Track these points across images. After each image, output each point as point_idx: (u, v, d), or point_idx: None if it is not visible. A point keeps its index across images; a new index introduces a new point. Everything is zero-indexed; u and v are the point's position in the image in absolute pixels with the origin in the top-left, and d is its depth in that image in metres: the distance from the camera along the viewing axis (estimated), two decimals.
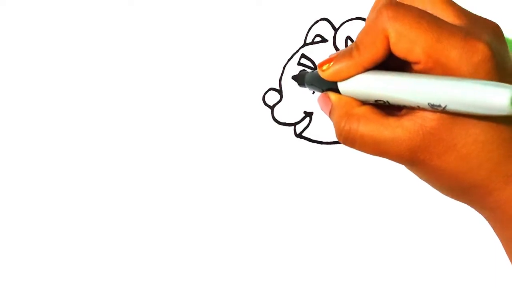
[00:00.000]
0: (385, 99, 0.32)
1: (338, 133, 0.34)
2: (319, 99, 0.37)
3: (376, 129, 0.32)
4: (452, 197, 0.35)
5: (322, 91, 0.37)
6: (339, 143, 0.45)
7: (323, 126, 0.45)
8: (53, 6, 0.46)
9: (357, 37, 0.33)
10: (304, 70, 0.45)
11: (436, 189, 0.34)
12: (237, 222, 0.45)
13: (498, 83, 0.28)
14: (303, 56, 0.45)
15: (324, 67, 0.34)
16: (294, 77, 0.44)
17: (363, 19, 0.45)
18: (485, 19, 0.33)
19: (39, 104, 0.46)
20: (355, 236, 0.44)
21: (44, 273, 0.45)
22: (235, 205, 0.45)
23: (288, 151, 0.45)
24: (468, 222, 0.44)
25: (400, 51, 0.31)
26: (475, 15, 0.33)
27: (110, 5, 0.46)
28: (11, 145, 0.45)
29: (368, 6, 0.45)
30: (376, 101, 0.33)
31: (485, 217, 0.35)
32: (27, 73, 0.46)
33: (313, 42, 0.45)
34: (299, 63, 0.45)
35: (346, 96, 0.34)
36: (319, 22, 0.46)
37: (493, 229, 0.35)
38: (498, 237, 0.35)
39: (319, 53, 0.45)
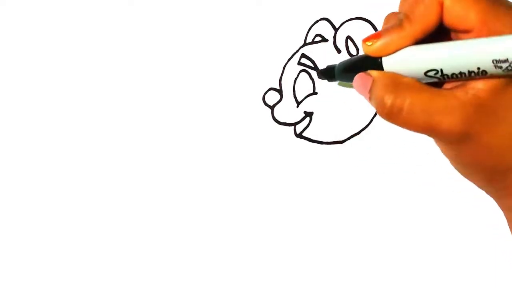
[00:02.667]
0: (439, 67, 0.30)
1: (381, 105, 0.31)
2: (356, 79, 0.34)
3: (428, 98, 0.30)
4: (482, 183, 0.33)
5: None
6: (340, 143, 0.45)
7: (323, 126, 0.45)
8: (53, 6, 0.46)
9: (405, 8, 0.32)
10: (304, 70, 0.45)
11: (469, 172, 0.33)
12: (237, 222, 0.45)
13: None
14: (303, 56, 0.45)
15: (369, 43, 0.32)
16: (323, 71, 0.41)
17: (363, 19, 0.45)
18: None
19: (39, 104, 0.46)
20: (355, 236, 0.44)
21: (44, 273, 0.45)
22: (235, 205, 0.45)
23: (288, 151, 0.45)
24: (468, 222, 0.44)
25: (454, 18, 0.30)
26: None
27: (110, 5, 0.46)
28: (11, 145, 0.45)
29: (368, 6, 0.45)
30: (425, 73, 0.31)
31: (508, 210, 0.34)
32: (27, 73, 0.46)
33: (313, 42, 0.45)
34: (299, 63, 0.45)
35: (390, 72, 0.32)
36: (319, 22, 0.46)
37: None
38: None
39: (319, 53, 0.45)
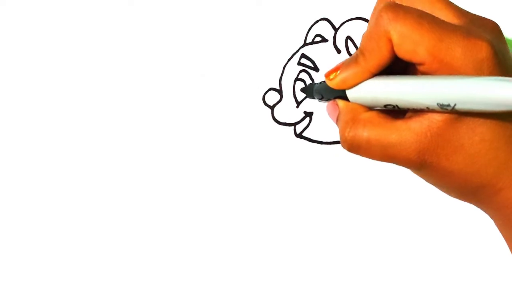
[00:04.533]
0: (393, 103, 0.32)
1: (343, 140, 0.34)
2: (327, 107, 0.37)
3: (383, 133, 0.32)
4: (459, 199, 0.34)
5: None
6: (339, 143, 0.45)
7: (323, 126, 0.45)
8: (53, 6, 0.46)
9: (361, 43, 0.33)
10: (304, 70, 0.45)
11: (444, 191, 0.34)
12: (237, 222, 0.45)
13: (505, 78, 0.28)
14: (303, 56, 0.45)
15: (331, 76, 0.34)
16: (303, 90, 0.45)
17: (363, 19, 0.45)
18: (483, 18, 0.33)
19: (39, 104, 0.46)
20: (355, 236, 0.44)
21: (44, 273, 0.45)
22: (235, 205, 0.45)
23: (288, 151, 0.45)
24: (468, 223, 0.44)
25: (404, 52, 0.31)
26: (474, 14, 0.33)
27: (110, 5, 0.46)
28: (11, 145, 0.45)
29: (368, 6, 0.45)
30: (385, 106, 0.33)
31: (491, 217, 0.35)
32: (27, 73, 0.46)
33: (313, 42, 0.45)
34: (299, 63, 0.45)
35: (354, 103, 0.34)
36: (319, 22, 0.46)
37: (499, 229, 0.35)
38: (504, 237, 0.35)
39: (319, 53, 0.45)
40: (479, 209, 0.38)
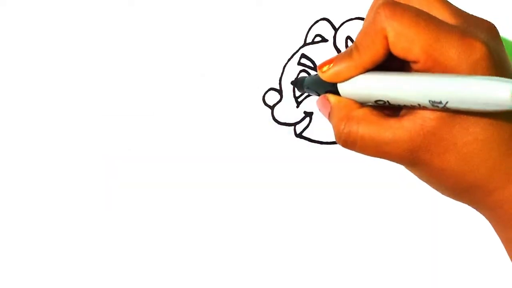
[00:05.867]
0: (385, 99, 0.32)
1: (338, 136, 0.34)
2: (317, 102, 0.37)
3: (377, 131, 0.32)
4: (452, 198, 0.34)
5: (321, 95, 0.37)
6: None
7: (323, 126, 0.45)
8: (53, 6, 0.46)
9: (356, 38, 0.33)
10: (304, 70, 0.45)
11: (437, 189, 0.34)
12: (237, 222, 0.45)
13: (499, 78, 0.28)
14: (303, 56, 0.45)
15: (324, 69, 0.34)
16: (293, 82, 0.45)
17: (363, 19, 0.45)
18: (480, 18, 0.33)
19: (39, 104, 0.46)
20: (354, 236, 0.44)
21: (43, 273, 0.45)
22: (235, 205, 0.45)
23: (288, 151, 0.45)
24: (468, 222, 0.44)
25: (399, 50, 0.31)
26: (471, 14, 0.33)
27: (110, 5, 0.46)
28: (11, 145, 0.45)
29: (368, 6, 0.45)
30: (376, 101, 0.33)
31: (486, 217, 0.35)
32: (27, 73, 0.46)
33: (313, 42, 0.45)
34: (299, 63, 0.45)
35: (346, 98, 0.34)
36: (319, 22, 0.46)
37: (494, 229, 0.35)
38: (499, 237, 0.35)
39: (319, 53, 0.45)
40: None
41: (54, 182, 0.45)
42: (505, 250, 0.35)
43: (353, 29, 0.45)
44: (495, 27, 0.32)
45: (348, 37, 0.45)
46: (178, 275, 0.44)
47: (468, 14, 0.33)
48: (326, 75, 0.34)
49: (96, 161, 0.45)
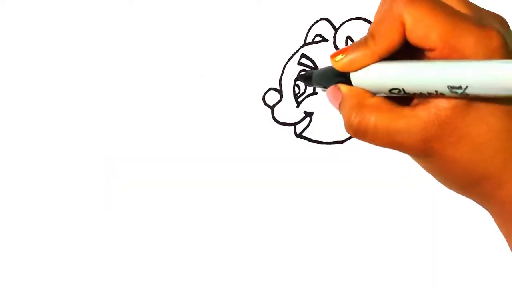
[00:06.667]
0: (401, 87, 0.32)
1: (348, 125, 0.33)
2: (328, 92, 0.36)
3: (390, 119, 0.32)
4: (460, 192, 0.34)
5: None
6: (339, 143, 0.45)
7: (323, 126, 0.45)
8: (53, 6, 0.46)
9: (371, 27, 0.33)
10: (304, 70, 0.45)
11: (444, 183, 0.34)
12: (237, 221, 0.45)
13: None
14: (303, 56, 0.45)
15: (338, 58, 0.33)
16: (301, 76, 0.44)
17: (363, 19, 0.45)
18: (492, 12, 0.33)
19: (39, 104, 0.46)
20: (354, 236, 0.44)
21: (43, 273, 0.45)
22: (235, 205, 0.45)
23: (288, 151, 0.45)
24: (468, 222, 0.44)
25: (416, 37, 0.31)
26: (483, 8, 0.33)
27: (110, 5, 0.46)
28: (11, 145, 0.45)
29: (368, 6, 0.45)
30: (390, 90, 0.32)
31: (492, 213, 0.34)
32: (27, 72, 0.46)
33: (313, 42, 0.45)
34: (299, 63, 0.45)
35: (358, 87, 0.34)
36: (319, 22, 0.46)
37: (499, 225, 0.34)
38: (504, 234, 0.34)
39: (319, 53, 0.45)
40: (478, 207, 0.38)
41: (54, 182, 0.45)
42: (509, 247, 0.35)
43: (353, 29, 0.45)
44: (506, 21, 0.33)
45: (348, 37, 0.45)
46: (178, 275, 0.44)
47: (480, 7, 0.33)
48: (339, 64, 0.33)
49: (96, 161, 0.45)
